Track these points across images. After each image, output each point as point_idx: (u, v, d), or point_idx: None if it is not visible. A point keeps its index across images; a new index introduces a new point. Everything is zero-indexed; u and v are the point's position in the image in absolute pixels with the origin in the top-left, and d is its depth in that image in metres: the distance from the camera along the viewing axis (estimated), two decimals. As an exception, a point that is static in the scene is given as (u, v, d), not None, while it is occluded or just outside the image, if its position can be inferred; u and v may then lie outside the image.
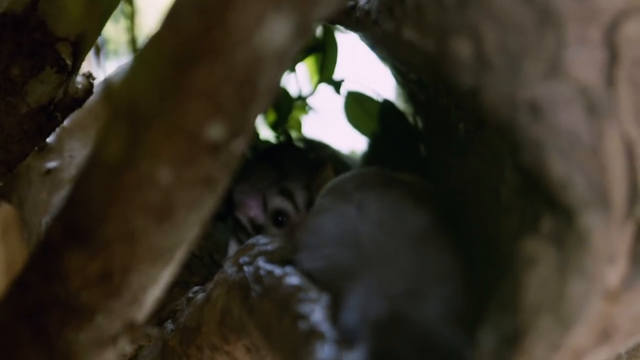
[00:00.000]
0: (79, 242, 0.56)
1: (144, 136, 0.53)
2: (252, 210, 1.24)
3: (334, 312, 0.68)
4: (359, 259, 0.75)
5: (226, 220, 1.33)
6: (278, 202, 1.20)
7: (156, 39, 0.53)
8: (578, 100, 0.54)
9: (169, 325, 0.89)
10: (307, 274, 0.72)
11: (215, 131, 0.52)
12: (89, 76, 1.12)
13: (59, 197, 1.17)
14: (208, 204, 0.57)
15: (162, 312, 1.06)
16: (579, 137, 0.53)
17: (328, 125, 1.55)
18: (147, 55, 0.54)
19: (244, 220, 1.24)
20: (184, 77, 0.51)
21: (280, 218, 1.19)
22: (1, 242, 2.07)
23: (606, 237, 0.54)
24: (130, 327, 0.61)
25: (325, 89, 1.42)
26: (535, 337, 0.55)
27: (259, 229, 1.22)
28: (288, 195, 1.20)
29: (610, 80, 0.53)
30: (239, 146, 0.55)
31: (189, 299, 0.90)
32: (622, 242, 0.54)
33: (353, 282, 0.72)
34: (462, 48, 0.59)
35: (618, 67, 0.54)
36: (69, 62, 1.01)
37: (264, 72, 0.52)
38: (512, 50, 0.56)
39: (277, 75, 0.53)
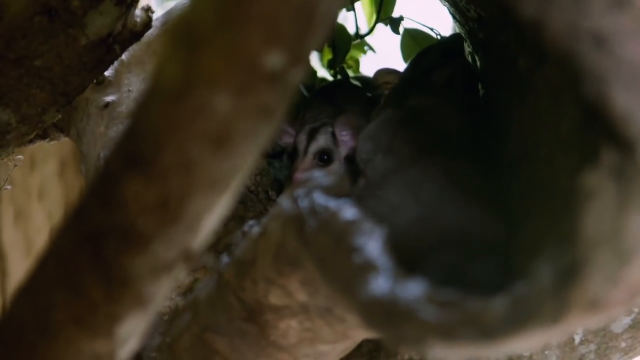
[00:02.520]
0: (137, 170, 0.57)
1: (202, 63, 0.53)
2: (288, 137, 1.25)
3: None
4: (419, 210, 0.81)
5: (282, 158, 1.34)
6: (300, 138, 1.21)
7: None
8: (643, 31, 0.53)
9: (225, 258, 0.89)
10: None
11: (273, 59, 0.52)
12: (148, 10, 1.13)
13: (117, 131, 1.18)
14: (265, 134, 0.57)
15: (218, 245, 1.07)
16: (643, 68, 0.53)
17: (386, 64, 1.53)
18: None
19: (283, 146, 1.26)
20: (243, 3, 0.51)
21: (294, 154, 1.20)
22: (59, 177, 2.11)
23: (668, 171, 0.53)
24: (186, 255, 0.62)
25: (383, 28, 1.41)
26: (592, 271, 0.55)
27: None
28: (310, 135, 1.20)
29: (676, 10, 0.52)
30: (296, 76, 0.55)
31: (244, 233, 0.91)
32: (684, 175, 0.53)
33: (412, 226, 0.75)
34: (525, -22, 0.59)
35: (685, -3, 0.52)
36: (128, -6, 1.01)
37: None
38: (576, -20, 0.55)
39: (335, 2, 0.53)
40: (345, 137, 1.18)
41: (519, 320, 0.57)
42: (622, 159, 0.54)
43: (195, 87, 0.53)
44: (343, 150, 1.18)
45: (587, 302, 0.56)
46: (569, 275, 0.55)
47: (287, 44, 0.52)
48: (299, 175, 1.16)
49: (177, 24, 0.55)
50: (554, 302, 0.56)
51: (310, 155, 1.18)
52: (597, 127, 0.56)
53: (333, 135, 1.19)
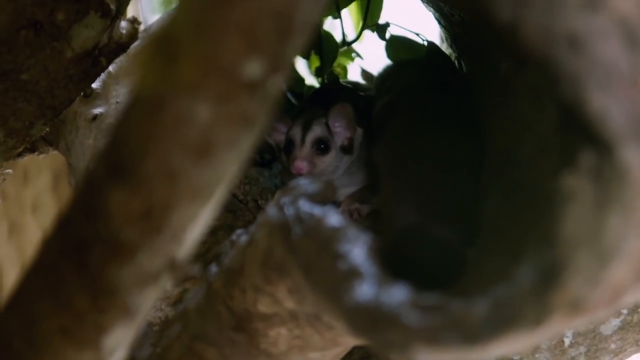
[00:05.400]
0: (120, 180, 0.57)
1: (181, 73, 0.53)
2: (279, 134, 1.24)
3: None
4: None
5: (272, 167, 1.34)
6: (294, 130, 1.21)
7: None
8: (617, 31, 0.53)
9: (213, 268, 0.90)
10: None
11: (252, 68, 0.53)
12: (134, 21, 1.13)
13: (106, 143, 1.18)
14: (246, 142, 0.57)
15: (207, 255, 1.07)
16: (617, 69, 0.53)
17: (373, 71, 1.54)
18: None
19: (273, 145, 1.25)
20: (221, 12, 0.51)
21: (290, 147, 1.20)
22: (53, 190, 2.11)
23: (645, 171, 0.53)
24: (171, 265, 0.62)
25: (370, 35, 1.42)
26: (573, 272, 0.55)
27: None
28: (304, 126, 1.20)
29: (650, 11, 0.53)
30: (277, 83, 0.55)
31: (233, 242, 0.91)
32: (661, 176, 0.54)
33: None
34: (500, -19, 0.59)
35: (659, -2, 0.53)
36: (113, 6, 1.01)
37: (300, 6, 0.52)
38: (550, -18, 0.56)
39: (314, 9, 0.53)
40: (338, 128, 1.19)
41: (502, 323, 0.57)
42: (600, 161, 0.54)
43: (174, 97, 0.53)
44: (338, 140, 1.19)
45: (568, 303, 0.56)
46: (550, 277, 0.55)
47: (266, 52, 0.53)
48: (300, 163, 1.16)
49: (157, 34, 0.55)
50: (535, 304, 0.56)
51: (308, 144, 1.18)
52: (575, 129, 0.57)
53: (327, 126, 1.19)
